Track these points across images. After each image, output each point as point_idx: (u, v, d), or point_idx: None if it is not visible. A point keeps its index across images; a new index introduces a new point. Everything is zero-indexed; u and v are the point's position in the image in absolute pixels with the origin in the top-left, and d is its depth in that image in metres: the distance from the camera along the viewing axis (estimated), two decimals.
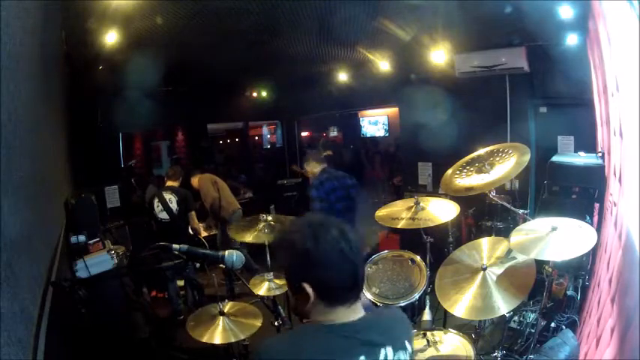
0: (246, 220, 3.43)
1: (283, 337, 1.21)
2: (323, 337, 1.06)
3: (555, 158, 3.29)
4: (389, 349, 1.07)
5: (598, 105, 2.99)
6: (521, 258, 2.20)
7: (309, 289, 1.06)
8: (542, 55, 4.38)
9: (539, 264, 2.23)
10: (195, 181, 5.40)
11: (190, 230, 4.72)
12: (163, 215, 4.51)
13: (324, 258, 1.06)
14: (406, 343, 1.13)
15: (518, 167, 2.61)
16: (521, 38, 4.39)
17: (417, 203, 2.84)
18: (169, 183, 4.73)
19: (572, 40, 3.90)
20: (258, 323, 2.37)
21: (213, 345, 2.28)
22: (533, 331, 2.89)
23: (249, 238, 3.09)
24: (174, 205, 4.52)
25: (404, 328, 1.20)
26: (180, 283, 4.73)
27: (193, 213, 4.67)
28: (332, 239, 1.06)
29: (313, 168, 3.95)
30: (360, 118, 9.06)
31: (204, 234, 5.04)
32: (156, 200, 4.54)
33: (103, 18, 3.31)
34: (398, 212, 2.86)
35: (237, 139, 10.67)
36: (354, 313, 1.10)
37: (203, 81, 6.58)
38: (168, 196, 4.54)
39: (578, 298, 2.96)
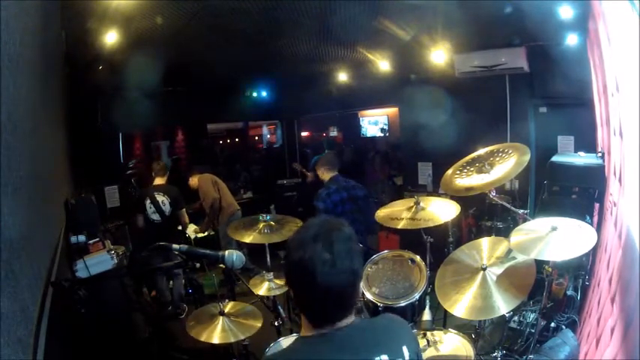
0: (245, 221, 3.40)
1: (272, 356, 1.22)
2: (312, 351, 1.05)
3: (555, 158, 3.29)
4: (384, 357, 1.04)
5: (598, 105, 2.99)
6: (521, 258, 2.20)
7: (291, 293, 1.10)
8: (542, 55, 4.38)
9: (539, 264, 2.23)
10: (194, 181, 5.37)
11: (180, 226, 4.80)
12: (155, 217, 4.51)
13: (299, 276, 1.04)
14: (404, 349, 1.10)
15: (518, 167, 2.61)
16: (521, 38, 4.40)
17: (417, 203, 2.84)
18: (158, 180, 4.68)
19: (572, 40, 3.91)
20: (259, 324, 2.36)
21: (213, 345, 2.28)
22: (533, 331, 2.89)
23: (248, 238, 3.07)
24: (167, 208, 4.54)
25: (401, 335, 1.16)
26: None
27: (184, 210, 4.73)
28: (312, 260, 1.00)
29: (324, 173, 3.76)
30: (360, 118, 9.05)
31: (200, 235, 5.07)
32: (147, 201, 4.51)
33: (103, 18, 3.31)
34: (398, 212, 2.86)
35: (237, 139, 10.67)
36: (341, 323, 1.07)
37: (203, 81, 6.58)
38: (161, 198, 4.53)
39: (578, 298, 2.96)
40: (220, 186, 5.40)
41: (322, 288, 1.01)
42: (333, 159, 3.94)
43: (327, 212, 3.49)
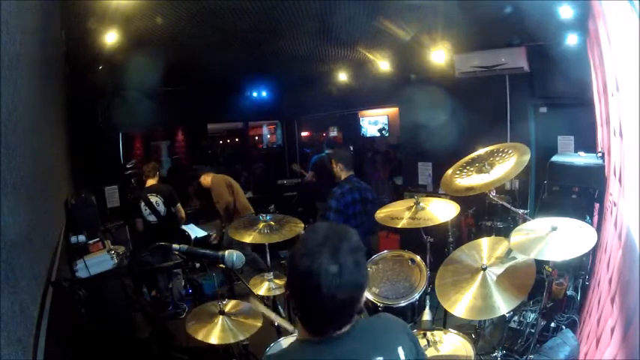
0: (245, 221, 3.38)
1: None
2: (309, 353, 1.05)
3: (555, 158, 3.29)
4: (379, 359, 1.05)
5: (598, 105, 2.99)
6: (521, 258, 2.20)
7: (292, 301, 1.08)
8: (542, 55, 4.38)
9: (539, 264, 2.23)
10: (207, 180, 5.15)
11: (178, 219, 4.80)
12: (151, 218, 4.54)
13: (303, 286, 1.01)
14: (399, 350, 1.09)
15: (518, 167, 2.61)
16: (521, 38, 4.40)
17: (417, 203, 2.84)
18: (150, 181, 4.66)
19: (572, 40, 3.91)
20: (258, 323, 2.36)
21: (213, 345, 2.28)
22: (533, 331, 2.89)
23: (248, 238, 3.06)
24: (161, 208, 4.55)
25: (397, 335, 1.15)
26: None
27: (179, 206, 4.71)
28: (319, 271, 0.97)
29: (341, 171, 3.67)
30: (360, 118, 9.05)
31: (199, 235, 5.08)
32: (142, 204, 4.51)
33: (103, 18, 3.32)
34: (398, 212, 2.86)
35: (237, 139, 10.67)
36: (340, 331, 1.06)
37: (203, 81, 6.58)
38: (155, 199, 4.54)
39: (578, 298, 2.96)
40: (235, 189, 5.19)
41: (326, 301, 0.98)
42: (350, 157, 3.86)
43: (337, 212, 3.45)
